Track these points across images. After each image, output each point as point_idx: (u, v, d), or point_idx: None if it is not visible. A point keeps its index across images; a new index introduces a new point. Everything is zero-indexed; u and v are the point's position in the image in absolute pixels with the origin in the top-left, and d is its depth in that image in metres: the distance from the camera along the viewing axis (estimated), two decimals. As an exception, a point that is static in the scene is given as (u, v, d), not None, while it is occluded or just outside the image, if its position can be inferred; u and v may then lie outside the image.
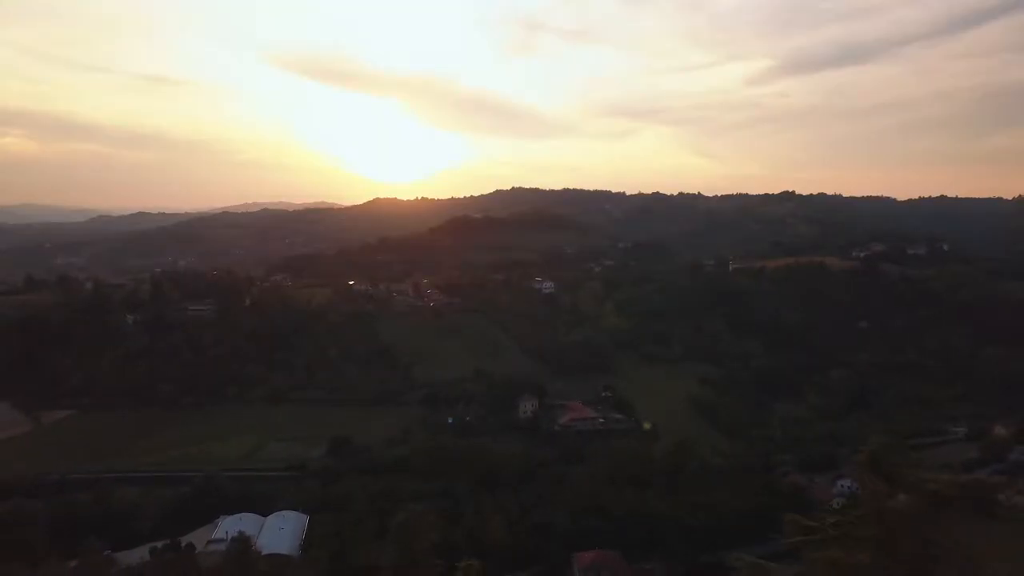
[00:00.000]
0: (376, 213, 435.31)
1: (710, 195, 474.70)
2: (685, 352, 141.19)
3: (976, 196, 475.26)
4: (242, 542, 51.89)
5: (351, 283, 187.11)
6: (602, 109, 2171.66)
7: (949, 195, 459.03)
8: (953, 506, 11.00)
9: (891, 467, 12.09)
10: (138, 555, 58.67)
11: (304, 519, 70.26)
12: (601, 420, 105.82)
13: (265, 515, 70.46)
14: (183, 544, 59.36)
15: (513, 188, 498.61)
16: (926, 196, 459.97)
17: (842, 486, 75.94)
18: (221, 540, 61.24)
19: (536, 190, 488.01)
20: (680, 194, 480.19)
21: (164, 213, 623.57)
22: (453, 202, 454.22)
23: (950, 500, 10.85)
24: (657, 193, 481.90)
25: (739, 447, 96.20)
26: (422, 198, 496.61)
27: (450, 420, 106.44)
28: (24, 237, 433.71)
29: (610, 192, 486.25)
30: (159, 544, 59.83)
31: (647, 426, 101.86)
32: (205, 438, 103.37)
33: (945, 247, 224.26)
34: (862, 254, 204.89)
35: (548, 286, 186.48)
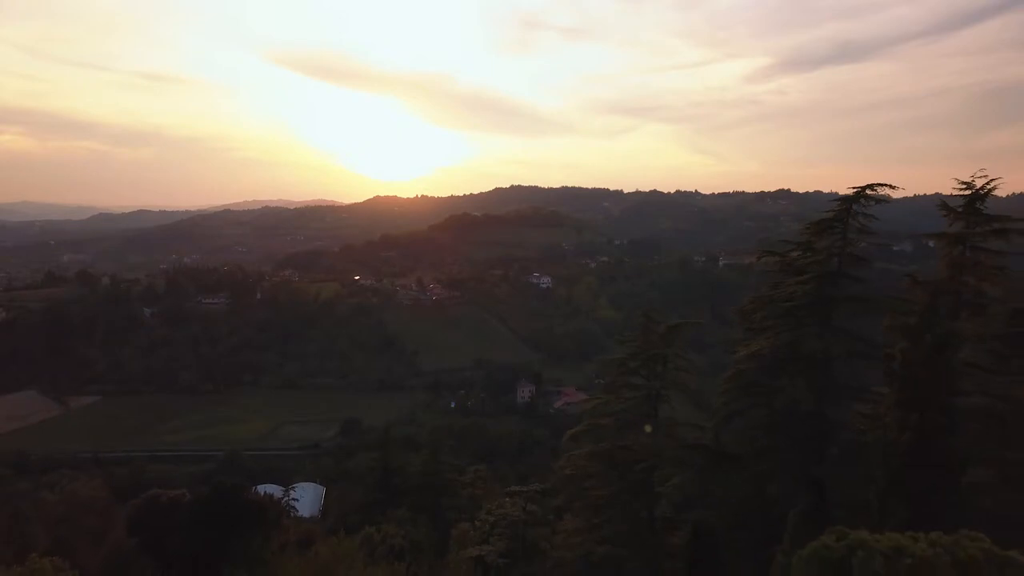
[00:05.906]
0: (377, 210, 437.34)
1: (707, 193, 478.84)
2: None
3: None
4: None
5: (356, 278, 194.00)
6: (601, 107, 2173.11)
7: (944, 193, 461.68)
8: (679, 333, 21.12)
9: (654, 319, 22.93)
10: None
11: (321, 489, 77.83)
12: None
13: (285, 486, 77.98)
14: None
15: (512, 186, 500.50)
16: (922, 194, 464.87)
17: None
18: (249, 505, 68.80)
19: (535, 188, 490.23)
20: (677, 192, 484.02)
21: (165, 211, 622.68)
22: (453, 200, 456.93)
23: (679, 331, 19.82)
24: (655, 191, 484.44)
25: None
26: (422, 196, 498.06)
27: (452, 404, 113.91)
28: (26, 235, 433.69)
29: (608, 190, 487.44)
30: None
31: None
32: (223, 421, 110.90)
33: (931, 244, 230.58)
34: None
35: (545, 281, 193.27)
